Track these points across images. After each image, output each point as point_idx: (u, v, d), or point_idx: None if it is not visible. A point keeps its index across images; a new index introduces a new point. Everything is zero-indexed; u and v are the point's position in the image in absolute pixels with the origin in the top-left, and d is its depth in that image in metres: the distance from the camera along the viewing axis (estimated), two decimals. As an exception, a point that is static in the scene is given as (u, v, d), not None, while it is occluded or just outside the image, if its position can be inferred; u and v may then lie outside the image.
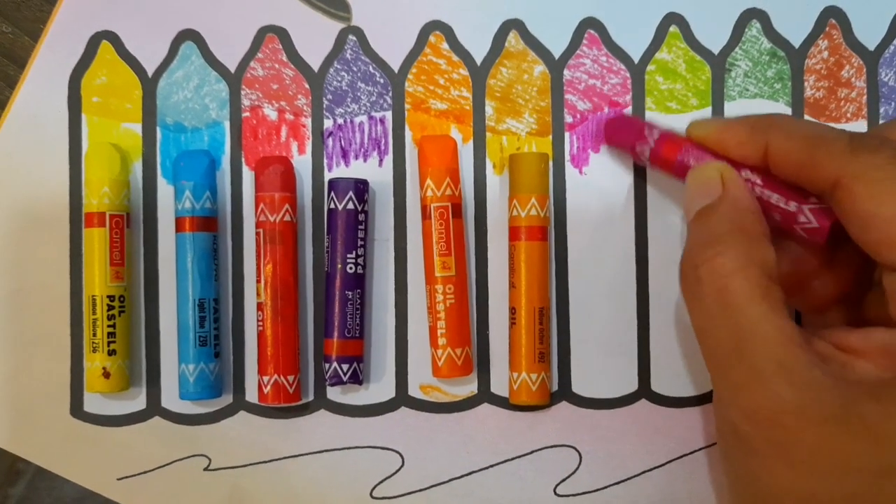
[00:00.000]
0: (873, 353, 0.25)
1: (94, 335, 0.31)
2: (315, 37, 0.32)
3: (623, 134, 0.31)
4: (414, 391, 0.32)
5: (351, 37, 0.32)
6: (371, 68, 0.32)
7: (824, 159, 0.25)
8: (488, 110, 0.32)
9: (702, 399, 0.32)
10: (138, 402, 0.32)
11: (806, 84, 0.32)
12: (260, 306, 0.31)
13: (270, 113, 0.33)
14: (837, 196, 0.25)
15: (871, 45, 0.32)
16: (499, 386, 0.32)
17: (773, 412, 0.23)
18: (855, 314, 0.29)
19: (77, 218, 0.32)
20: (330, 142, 0.32)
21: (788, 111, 0.32)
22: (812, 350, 0.24)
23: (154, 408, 0.32)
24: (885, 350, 0.25)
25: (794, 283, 0.29)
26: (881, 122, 0.32)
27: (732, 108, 0.32)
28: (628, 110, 0.32)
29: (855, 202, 0.24)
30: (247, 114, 0.33)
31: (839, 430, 0.23)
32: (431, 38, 0.32)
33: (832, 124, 0.32)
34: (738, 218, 0.26)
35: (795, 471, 0.23)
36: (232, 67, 0.33)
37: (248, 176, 0.32)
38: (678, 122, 0.32)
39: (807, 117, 0.32)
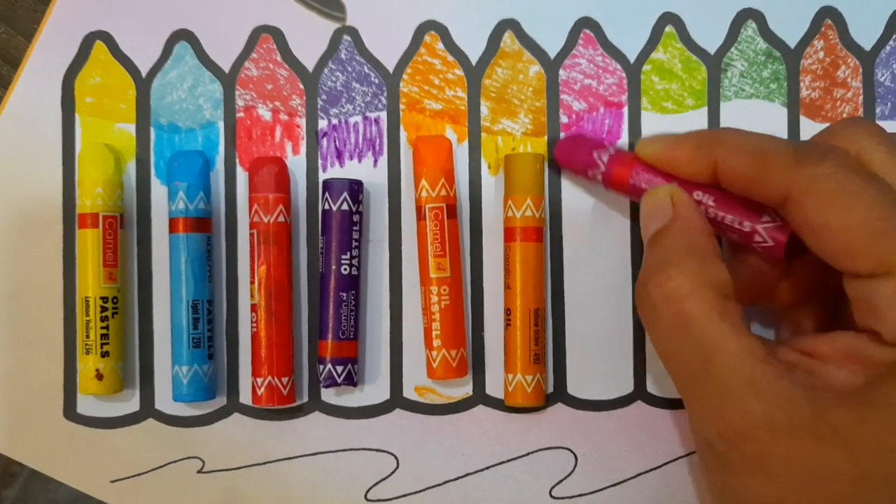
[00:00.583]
0: (840, 357, 0.25)
1: (88, 337, 0.31)
2: (309, 37, 0.32)
3: (574, 159, 0.30)
4: (409, 393, 0.32)
5: (346, 37, 0.32)
6: (366, 68, 0.32)
7: (771, 174, 0.25)
8: (483, 111, 0.32)
9: (698, 400, 0.32)
10: (132, 404, 0.32)
11: (802, 84, 0.32)
12: (254, 307, 0.31)
13: (265, 113, 0.32)
14: (788, 209, 0.25)
15: (868, 45, 0.32)
16: (494, 388, 0.32)
17: (745, 428, 0.23)
18: (825, 317, 0.29)
19: (70, 219, 0.32)
20: (324, 142, 0.32)
21: (784, 111, 0.32)
22: (778, 361, 0.24)
23: (147, 410, 0.32)
24: (851, 354, 0.25)
25: (758, 290, 0.29)
26: (877, 122, 0.32)
27: (729, 109, 0.32)
28: (624, 110, 0.32)
29: (806, 215, 0.24)
30: (241, 114, 0.32)
31: (811, 440, 0.23)
32: (426, 38, 0.32)
33: (828, 125, 0.32)
34: (689, 239, 0.27)
35: (773, 483, 0.23)
36: (226, 68, 0.32)
37: (242, 176, 0.32)
38: (674, 123, 0.32)
39: (802, 118, 0.32)
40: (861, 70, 0.32)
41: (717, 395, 0.24)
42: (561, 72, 0.32)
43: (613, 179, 0.30)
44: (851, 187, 0.24)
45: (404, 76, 0.32)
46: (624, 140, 0.32)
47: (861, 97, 0.32)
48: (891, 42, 0.32)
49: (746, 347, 0.24)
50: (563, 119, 0.32)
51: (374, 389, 0.32)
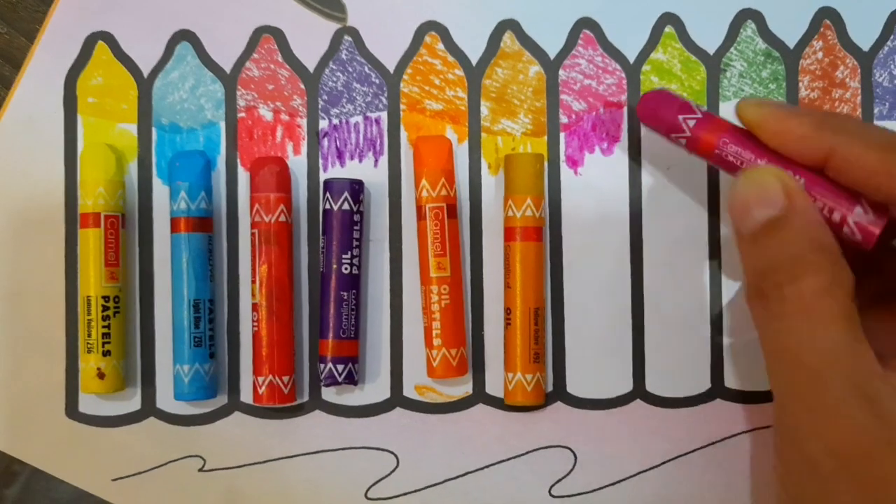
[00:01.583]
0: None
1: (89, 336, 0.31)
2: (310, 37, 0.32)
3: (658, 118, 0.29)
4: (409, 392, 0.32)
5: (346, 37, 0.33)
6: (366, 69, 0.32)
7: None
8: (483, 111, 0.32)
9: (696, 400, 0.32)
10: (133, 403, 0.32)
11: (801, 84, 0.32)
12: (255, 307, 0.31)
13: (266, 113, 0.33)
14: None
15: (866, 45, 0.32)
16: (494, 387, 0.32)
17: (862, 445, 0.22)
18: None
19: (72, 218, 0.32)
20: (325, 142, 0.32)
21: (783, 112, 0.32)
22: (889, 380, 0.23)
23: (149, 408, 0.32)
24: None
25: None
26: (875, 122, 0.32)
27: (728, 109, 0.32)
28: (624, 111, 0.32)
29: None
30: (242, 114, 0.33)
31: None
32: (427, 39, 0.33)
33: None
34: (815, 234, 0.24)
35: None
36: (227, 68, 0.33)
37: (243, 176, 0.32)
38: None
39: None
40: (859, 70, 0.32)
41: (832, 406, 0.22)
42: (561, 72, 0.32)
43: (699, 146, 0.28)
44: None
45: (405, 76, 0.33)
46: (624, 140, 0.32)
47: (859, 97, 0.32)
48: (889, 42, 0.32)
49: (867, 359, 0.23)
50: (563, 119, 0.32)
51: (375, 388, 0.32)
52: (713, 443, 0.32)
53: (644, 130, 0.32)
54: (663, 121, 0.29)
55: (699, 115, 0.28)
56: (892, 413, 0.22)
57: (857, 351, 0.23)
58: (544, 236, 0.32)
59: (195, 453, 0.32)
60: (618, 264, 0.32)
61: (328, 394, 0.32)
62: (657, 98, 0.29)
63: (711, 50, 0.32)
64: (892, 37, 0.32)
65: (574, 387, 0.32)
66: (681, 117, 0.28)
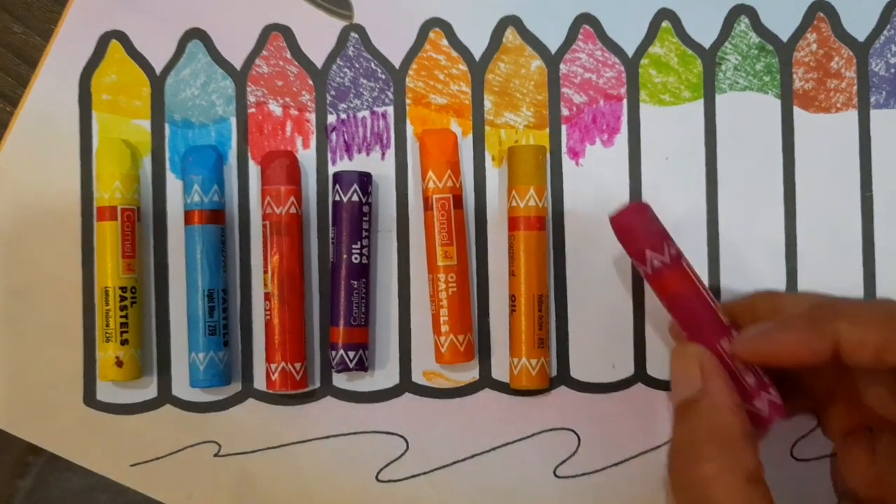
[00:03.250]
0: None
1: (107, 325, 0.32)
2: (318, 34, 0.33)
3: (627, 242, 0.28)
4: (417, 377, 0.33)
5: (353, 34, 0.33)
6: (373, 65, 0.33)
7: None
8: (487, 104, 0.33)
9: (696, 382, 0.33)
10: (150, 391, 0.33)
11: (795, 76, 0.33)
12: (267, 296, 0.32)
13: (275, 109, 0.33)
14: None
15: (861, 36, 0.33)
16: (499, 371, 0.33)
17: None
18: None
19: (88, 212, 0.33)
20: (333, 136, 0.33)
21: (778, 103, 0.33)
22: None
23: (165, 396, 0.33)
24: None
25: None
26: (871, 111, 0.33)
27: (724, 101, 0.33)
28: (623, 103, 0.33)
29: None
30: (252, 110, 0.33)
31: None
32: (431, 35, 0.33)
33: (822, 115, 0.33)
34: (717, 421, 0.26)
35: None
36: (238, 65, 0.33)
37: (254, 170, 0.33)
38: (672, 114, 0.33)
39: (796, 109, 0.33)
40: (855, 60, 0.33)
41: None
42: (562, 66, 0.33)
43: (655, 287, 0.28)
44: None
45: (410, 72, 0.33)
46: (623, 132, 0.33)
47: (855, 87, 0.33)
48: (885, 32, 0.33)
49: None
50: (565, 112, 0.33)
51: (384, 374, 0.33)
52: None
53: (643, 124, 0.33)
54: (632, 247, 0.28)
55: (666, 259, 0.27)
56: None
57: None
58: (547, 225, 0.33)
59: (210, 439, 0.33)
60: (618, 252, 0.33)
61: (339, 380, 0.33)
62: (631, 220, 0.28)
63: (707, 44, 0.33)
64: (888, 27, 0.33)
65: (577, 371, 0.33)
66: (648, 253, 0.27)
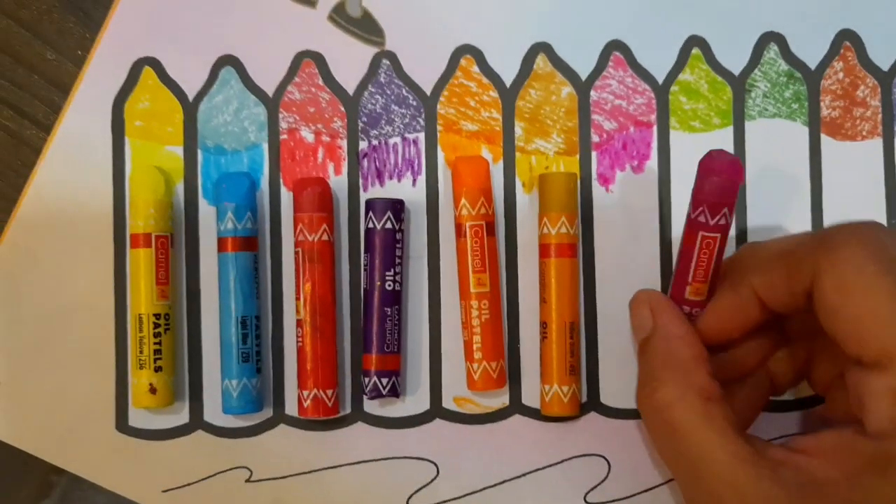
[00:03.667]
0: (827, 451, 0.26)
1: (141, 352, 0.32)
2: (350, 61, 0.34)
3: (715, 193, 0.28)
4: (448, 403, 0.33)
5: (385, 61, 0.34)
6: (404, 91, 0.34)
7: (802, 266, 0.26)
8: (517, 131, 0.34)
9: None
10: (181, 417, 0.33)
11: (822, 104, 0.33)
12: (299, 323, 0.32)
13: (307, 135, 0.34)
14: (813, 295, 0.26)
15: (885, 65, 0.33)
16: (529, 397, 0.33)
17: None
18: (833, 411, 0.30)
19: (121, 238, 0.33)
20: (365, 163, 0.34)
21: (806, 130, 0.33)
22: (764, 460, 0.25)
23: (197, 422, 0.33)
24: (837, 448, 0.25)
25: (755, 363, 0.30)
26: (896, 140, 0.33)
27: (753, 128, 0.33)
28: (653, 130, 0.33)
29: (823, 297, 0.25)
30: (284, 136, 0.34)
31: None
32: (462, 62, 0.34)
33: (848, 143, 0.33)
34: (669, 349, 0.28)
35: None
36: (270, 91, 0.34)
37: (286, 197, 0.33)
38: (702, 141, 0.33)
39: (823, 136, 0.33)
40: (879, 89, 0.33)
41: (707, 500, 0.26)
42: (592, 93, 0.34)
43: (701, 242, 0.29)
44: (868, 273, 0.24)
45: (441, 98, 0.34)
46: (653, 158, 0.33)
47: (880, 115, 0.33)
48: (908, 61, 0.34)
49: (731, 452, 0.25)
50: (595, 138, 0.33)
51: (415, 400, 0.33)
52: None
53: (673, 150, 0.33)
54: (720, 195, 0.28)
55: (722, 222, 0.28)
56: (755, 496, 0.24)
57: (720, 447, 0.25)
58: (578, 252, 0.33)
59: (242, 464, 0.33)
60: (648, 278, 0.33)
61: (370, 406, 0.33)
62: (731, 169, 0.28)
63: (736, 71, 0.33)
64: (911, 56, 0.34)
65: (608, 397, 0.33)
66: (725, 209, 0.28)
